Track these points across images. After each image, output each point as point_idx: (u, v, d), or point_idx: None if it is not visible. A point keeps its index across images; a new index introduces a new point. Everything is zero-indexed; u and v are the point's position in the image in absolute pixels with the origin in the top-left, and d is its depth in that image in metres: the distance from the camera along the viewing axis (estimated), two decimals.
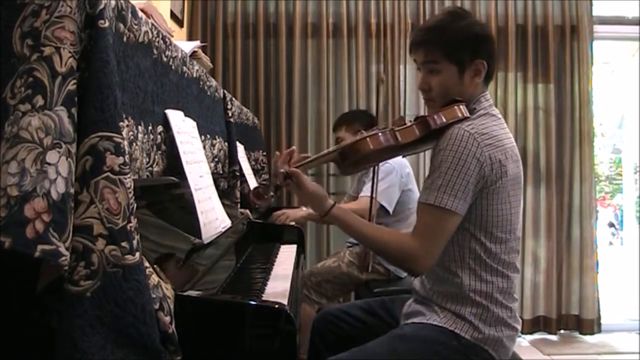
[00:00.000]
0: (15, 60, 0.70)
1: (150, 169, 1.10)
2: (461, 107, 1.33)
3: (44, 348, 0.74)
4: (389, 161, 2.41)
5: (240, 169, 1.98)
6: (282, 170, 1.29)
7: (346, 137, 2.44)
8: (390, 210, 2.49)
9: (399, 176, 2.51)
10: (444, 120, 1.31)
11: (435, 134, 1.32)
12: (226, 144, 1.89)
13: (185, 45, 1.74)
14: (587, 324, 3.36)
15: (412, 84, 3.31)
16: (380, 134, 1.34)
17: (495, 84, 3.37)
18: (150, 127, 1.10)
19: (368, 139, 1.33)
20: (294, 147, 1.40)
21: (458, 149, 1.24)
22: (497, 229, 1.30)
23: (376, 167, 2.32)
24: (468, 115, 1.32)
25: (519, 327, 1.36)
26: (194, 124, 1.37)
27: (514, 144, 1.35)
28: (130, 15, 0.97)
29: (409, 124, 1.36)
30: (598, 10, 3.45)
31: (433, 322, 1.31)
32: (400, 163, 2.54)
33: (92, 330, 0.70)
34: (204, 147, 1.49)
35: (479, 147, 1.25)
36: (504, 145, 1.29)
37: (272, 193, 1.33)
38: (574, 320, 3.40)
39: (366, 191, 2.45)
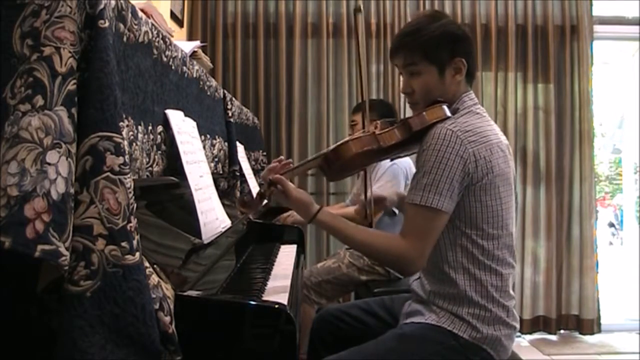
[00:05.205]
0: (15, 60, 0.70)
1: (150, 169, 1.10)
2: (443, 107, 1.33)
3: (44, 348, 0.74)
4: (396, 162, 2.41)
5: (240, 169, 1.98)
6: (267, 178, 1.34)
7: (360, 122, 2.46)
8: (397, 212, 2.49)
9: (405, 177, 2.50)
10: (426, 120, 1.32)
11: (419, 136, 1.32)
12: (226, 144, 1.89)
13: (185, 45, 1.74)
14: (587, 324, 3.36)
15: None
16: (362, 137, 1.36)
17: (495, 84, 3.37)
18: (150, 127, 1.10)
19: (349, 142, 1.35)
20: (282, 157, 1.43)
21: (441, 147, 1.25)
22: (488, 225, 1.30)
23: (376, 167, 2.31)
24: (450, 114, 1.33)
25: (517, 326, 1.36)
26: (194, 124, 1.37)
27: (502, 139, 1.35)
28: (130, 15, 0.97)
29: (391, 127, 1.38)
30: (598, 10, 3.45)
31: (431, 321, 1.32)
32: (406, 163, 2.52)
33: (92, 330, 0.70)
34: (204, 147, 1.49)
35: (462, 145, 1.25)
36: (489, 141, 1.29)
37: (258, 201, 1.37)
38: (574, 320, 3.40)
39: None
